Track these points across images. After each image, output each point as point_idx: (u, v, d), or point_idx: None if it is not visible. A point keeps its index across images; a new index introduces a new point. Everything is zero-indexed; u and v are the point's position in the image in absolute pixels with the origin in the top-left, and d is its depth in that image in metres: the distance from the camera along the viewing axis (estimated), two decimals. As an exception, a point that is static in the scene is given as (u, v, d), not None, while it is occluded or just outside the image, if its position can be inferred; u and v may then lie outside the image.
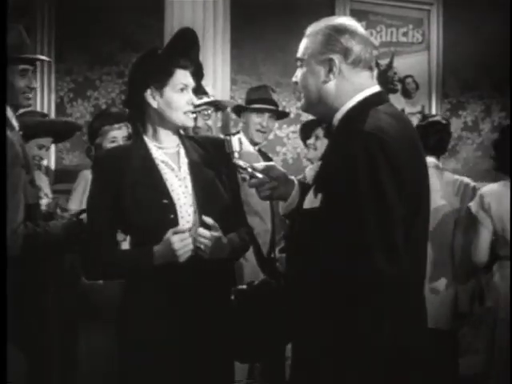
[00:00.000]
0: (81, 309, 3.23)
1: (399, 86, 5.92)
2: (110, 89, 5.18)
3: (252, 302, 2.19)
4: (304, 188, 2.23)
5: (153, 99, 2.40)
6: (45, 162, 4.67)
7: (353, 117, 2.04)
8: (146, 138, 2.45)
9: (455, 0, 5.98)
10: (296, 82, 2.16)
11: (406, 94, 5.97)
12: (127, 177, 2.38)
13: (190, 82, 2.45)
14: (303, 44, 2.14)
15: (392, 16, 5.91)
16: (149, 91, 2.40)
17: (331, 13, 5.66)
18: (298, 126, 5.56)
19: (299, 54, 2.14)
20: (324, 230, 1.95)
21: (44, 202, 3.11)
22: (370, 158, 1.89)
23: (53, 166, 5.01)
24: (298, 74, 2.14)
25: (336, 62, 2.05)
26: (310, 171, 2.19)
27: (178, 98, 2.40)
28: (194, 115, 2.54)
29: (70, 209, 3.23)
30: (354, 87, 2.07)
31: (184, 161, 2.45)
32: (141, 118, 2.46)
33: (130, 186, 2.37)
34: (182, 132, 2.52)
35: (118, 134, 3.30)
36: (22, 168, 2.61)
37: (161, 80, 2.40)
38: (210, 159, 2.47)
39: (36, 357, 2.70)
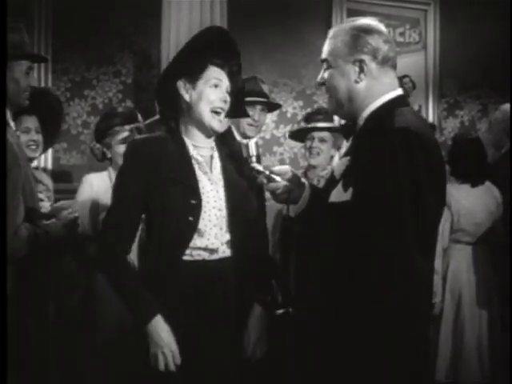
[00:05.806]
0: (81, 309, 3.24)
1: (396, 86, 5.92)
2: (107, 88, 5.17)
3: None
4: (314, 190, 2.25)
5: (185, 91, 2.39)
6: (41, 164, 4.69)
7: (381, 116, 2.06)
8: (182, 135, 2.43)
9: (452, 0, 5.99)
10: (322, 83, 2.17)
11: (403, 94, 5.98)
12: (162, 169, 2.33)
13: (225, 81, 2.42)
14: (328, 45, 2.15)
15: (389, 16, 5.91)
16: (181, 83, 2.39)
17: (328, 13, 5.67)
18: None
19: (324, 55, 2.16)
20: (356, 222, 1.98)
21: (45, 197, 3.09)
22: (410, 156, 1.92)
23: (50, 165, 5.00)
24: (325, 75, 2.15)
25: (366, 62, 2.08)
26: (340, 165, 2.18)
27: (209, 92, 2.38)
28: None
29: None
30: (383, 87, 2.11)
31: (217, 165, 2.43)
32: (174, 114, 2.45)
33: (163, 179, 2.32)
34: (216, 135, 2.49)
35: (127, 136, 3.29)
36: (20, 169, 2.61)
37: (194, 72, 2.39)
38: (244, 166, 2.43)
39: (34, 356, 2.70)
